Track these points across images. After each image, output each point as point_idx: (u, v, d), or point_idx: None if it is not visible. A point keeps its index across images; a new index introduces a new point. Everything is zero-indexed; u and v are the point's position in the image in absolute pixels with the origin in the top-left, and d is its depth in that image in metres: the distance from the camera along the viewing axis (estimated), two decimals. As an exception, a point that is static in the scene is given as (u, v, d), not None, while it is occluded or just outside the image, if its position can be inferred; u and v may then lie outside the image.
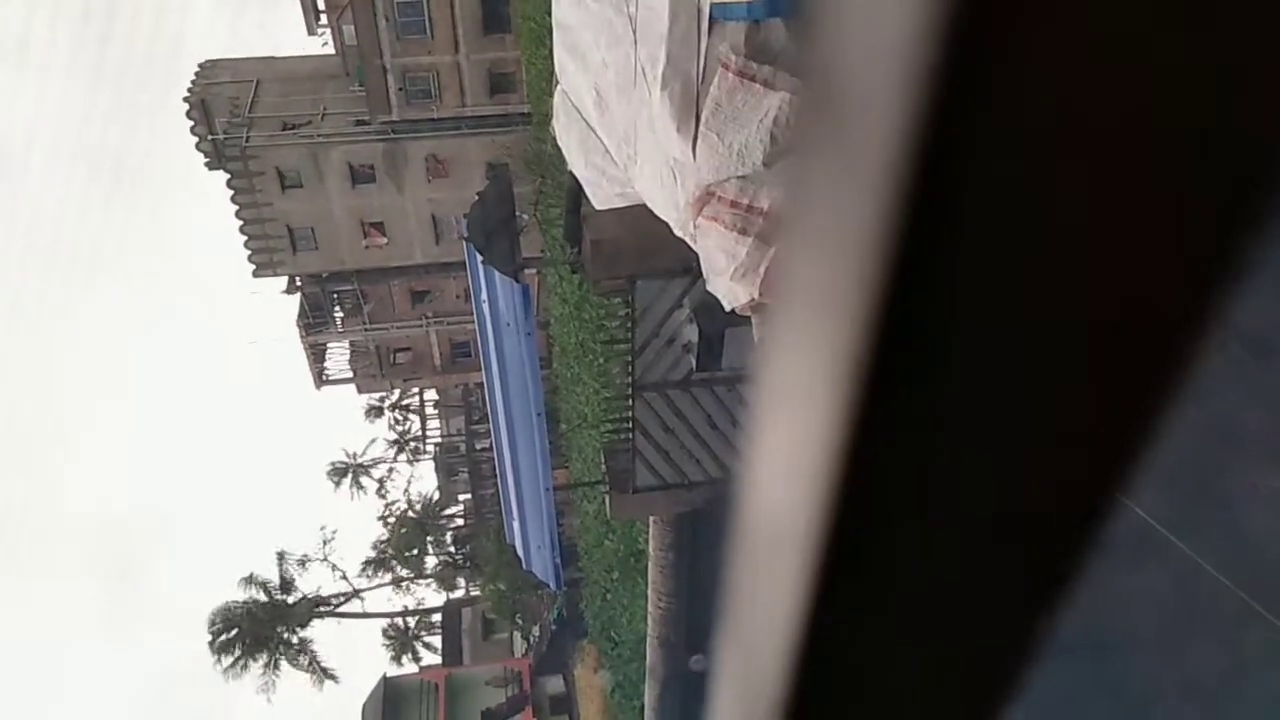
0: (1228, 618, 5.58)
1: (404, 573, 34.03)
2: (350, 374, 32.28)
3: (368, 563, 33.80)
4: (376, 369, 31.49)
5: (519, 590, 23.80)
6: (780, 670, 0.33)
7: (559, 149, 7.16)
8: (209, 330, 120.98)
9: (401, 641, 33.14)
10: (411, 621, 33.85)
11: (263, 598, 30.38)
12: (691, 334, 9.17)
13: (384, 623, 33.66)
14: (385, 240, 26.87)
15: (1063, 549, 0.29)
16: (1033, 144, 0.24)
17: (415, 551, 33.96)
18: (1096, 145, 0.24)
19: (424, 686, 27.51)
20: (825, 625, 0.31)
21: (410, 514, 35.51)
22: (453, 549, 34.98)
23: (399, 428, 37.84)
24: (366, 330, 29.73)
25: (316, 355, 31.12)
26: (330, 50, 27.45)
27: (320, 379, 31.82)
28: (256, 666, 29.51)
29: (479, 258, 10.35)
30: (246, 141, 25.08)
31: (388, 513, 35.76)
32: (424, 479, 42.85)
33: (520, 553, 13.12)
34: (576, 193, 7.94)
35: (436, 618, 33.57)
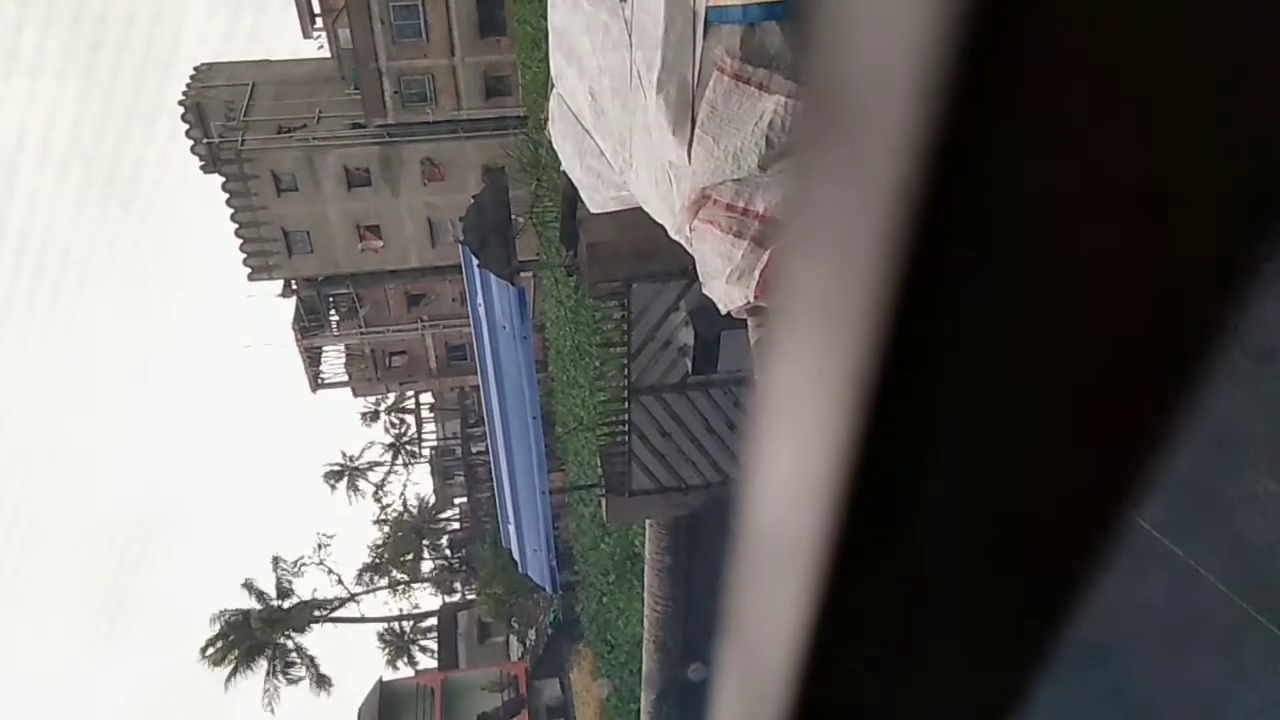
0: (1227, 625, 5.58)
1: (400, 577, 33.99)
2: (346, 377, 32.24)
3: (364, 569, 33.76)
4: (372, 372, 31.46)
5: (515, 594, 23.77)
6: (785, 682, 0.33)
7: (555, 152, 7.16)
8: (204, 334, 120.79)
9: (397, 645, 33.08)
10: (407, 625, 33.79)
11: (258, 605, 30.31)
12: (687, 337, 9.17)
13: (380, 627, 33.61)
14: (381, 243, 26.84)
15: (1070, 562, 0.29)
16: (1051, 149, 0.23)
17: (411, 556, 33.92)
18: (1116, 151, 0.23)
19: (420, 691, 27.44)
20: (831, 637, 0.31)
21: (406, 517, 35.48)
22: (449, 553, 34.94)
23: (395, 431, 37.83)
24: (362, 333, 29.69)
25: (312, 358, 31.08)
26: (326, 53, 27.44)
27: (316, 382, 31.78)
28: (254, 674, 29.44)
29: (475, 261, 10.35)
30: (242, 145, 25.05)
31: (384, 516, 35.74)
32: (420, 483, 42.79)
33: (516, 556, 13.10)
34: (572, 196, 7.94)
35: (432, 621, 33.52)
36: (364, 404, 36.34)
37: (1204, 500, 5.89)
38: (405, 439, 37.77)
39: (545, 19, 6.58)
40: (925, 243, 0.24)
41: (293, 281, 28.36)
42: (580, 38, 5.56)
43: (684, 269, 7.21)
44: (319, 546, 32.57)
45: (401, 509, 36.08)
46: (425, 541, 34.70)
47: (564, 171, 7.16)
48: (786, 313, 0.31)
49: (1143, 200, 0.24)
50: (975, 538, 0.29)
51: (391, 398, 36.05)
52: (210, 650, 29.36)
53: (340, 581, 32.88)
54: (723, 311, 4.89)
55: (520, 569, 13.55)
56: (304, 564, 32.02)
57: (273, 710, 30.00)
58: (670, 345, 9.42)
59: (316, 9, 27.21)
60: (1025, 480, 0.28)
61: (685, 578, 12.01)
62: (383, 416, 37.52)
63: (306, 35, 28.47)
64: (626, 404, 9.84)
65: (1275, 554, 5.72)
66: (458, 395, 35.06)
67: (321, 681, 30.29)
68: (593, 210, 6.69)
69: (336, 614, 32.66)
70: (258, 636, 29.51)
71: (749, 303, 4.53)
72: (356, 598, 33.27)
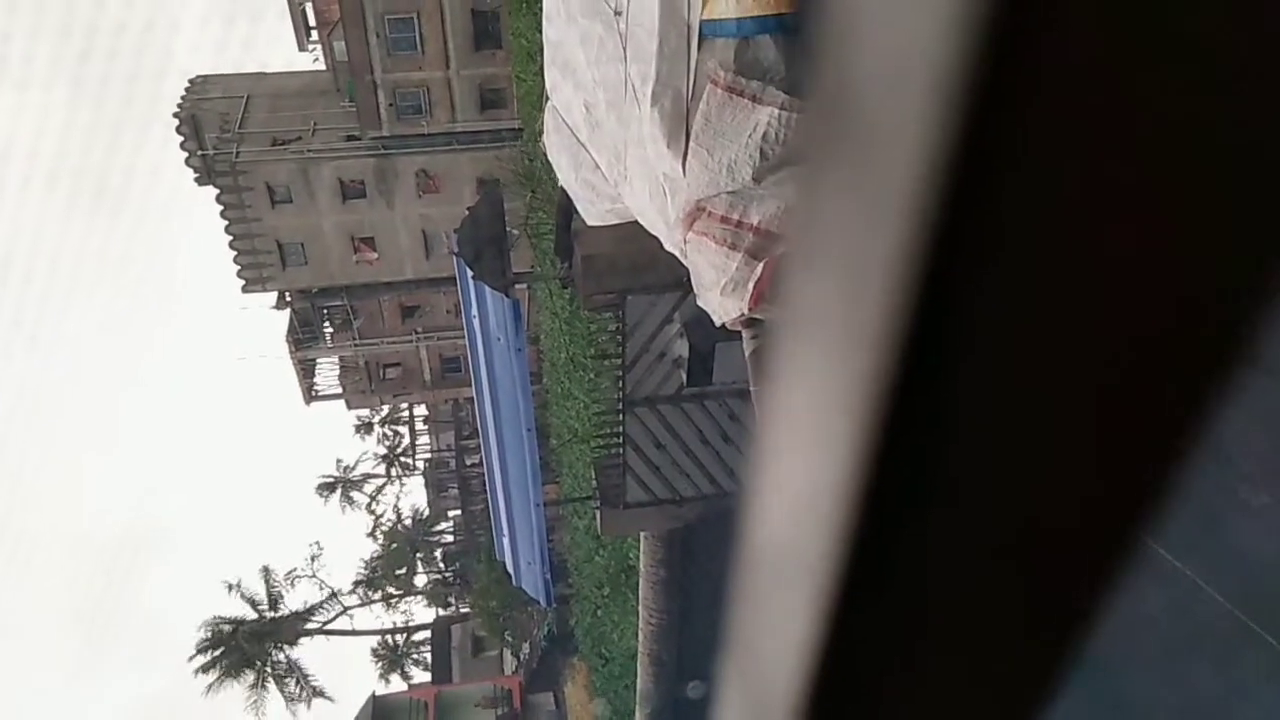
0: (1227, 638, 5.56)
1: (393, 590, 33.81)
2: (340, 389, 32.15)
3: (358, 583, 33.58)
4: (366, 384, 31.39)
5: (509, 607, 23.67)
6: (791, 703, 0.32)
7: (550, 165, 7.18)
8: (198, 346, 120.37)
9: (390, 659, 32.87)
10: (401, 639, 33.59)
11: (249, 614, 30.09)
12: (682, 349, 9.17)
13: (373, 640, 33.42)
14: (376, 255, 26.83)
15: (1084, 586, 0.28)
16: (1073, 156, 0.22)
17: (404, 570, 33.76)
18: (1137, 160, 0.23)
19: (413, 705, 27.25)
20: (839, 658, 0.30)
21: (400, 529, 35.33)
22: (442, 565, 34.79)
23: (389, 444, 37.72)
24: (356, 345, 29.64)
25: (306, 371, 31.00)
26: (321, 66, 27.51)
27: (310, 395, 31.69)
28: (241, 685, 29.19)
29: (469, 273, 10.35)
30: (236, 157, 25.06)
31: (377, 527, 35.60)
32: (414, 494, 42.66)
33: (510, 569, 13.05)
34: (567, 208, 7.95)
35: (425, 634, 33.33)
36: (358, 417, 36.27)
37: (1203, 513, 5.89)
38: (399, 451, 37.68)
39: (540, 32, 6.60)
40: (941, 255, 0.23)
41: (287, 294, 28.32)
42: (575, 51, 5.58)
43: (679, 281, 7.22)
44: (312, 558, 32.42)
45: (395, 521, 35.95)
46: (419, 554, 34.54)
47: (559, 184, 7.18)
48: (795, 326, 0.30)
49: (1172, 216, 0.23)
50: (988, 559, 0.29)
51: (386, 410, 35.96)
52: (198, 656, 29.14)
53: (334, 595, 32.69)
54: (718, 323, 4.89)
55: (514, 582, 13.49)
56: (296, 575, 31.85)
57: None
58: (665, 357, 9.42)
59: (312, 21, 27.30)
60: (1039, 502, 0.28)
61: (680, 591, 11.97)
62: (377, 429, 37.45)
63: (302, 48, 28.57)
64: (621, 416, 9.83)
65: (1275, 567, 5.72)
66: (452, 407, 34.99)
67: (314, 695, 30.05)
68: (588, 222, 6.70)
69: (329, 627, 32.46)
70: (245, 647, 29.26)
71: (744, 315, 4.53)
72: (349, 611, 33.09)
